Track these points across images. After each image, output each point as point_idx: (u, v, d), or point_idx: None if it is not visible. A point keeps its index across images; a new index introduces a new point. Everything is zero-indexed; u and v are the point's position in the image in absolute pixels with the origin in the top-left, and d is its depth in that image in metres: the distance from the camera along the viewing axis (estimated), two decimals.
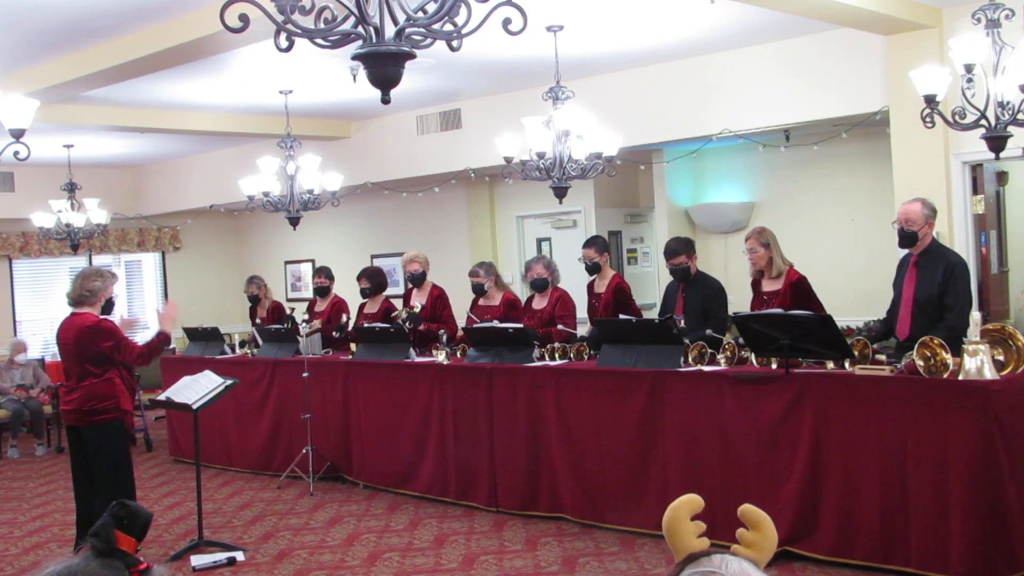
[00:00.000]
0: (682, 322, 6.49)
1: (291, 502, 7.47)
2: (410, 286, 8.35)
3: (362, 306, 8.72)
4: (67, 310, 6.05)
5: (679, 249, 6.92)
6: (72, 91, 7.94)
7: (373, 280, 8.60)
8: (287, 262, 13.98)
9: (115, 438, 5.90)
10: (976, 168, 7.17)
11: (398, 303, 8.58)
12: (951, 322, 5.47)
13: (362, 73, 3.01)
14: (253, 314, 9.81)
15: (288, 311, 9.40)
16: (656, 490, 5.89)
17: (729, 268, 9.72)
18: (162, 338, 6.08)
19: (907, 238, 5.70)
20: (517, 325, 6.92)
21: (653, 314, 9.87)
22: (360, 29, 2.78)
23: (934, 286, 5.58)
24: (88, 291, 5.94)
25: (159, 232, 14.03)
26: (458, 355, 7.31)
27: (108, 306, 6.07)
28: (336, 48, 2.87)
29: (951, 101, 5.48)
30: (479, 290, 7.78)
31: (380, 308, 8.50)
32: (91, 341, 5.84)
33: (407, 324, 7.77)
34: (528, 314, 7.59)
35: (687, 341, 6.15)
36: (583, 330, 7.57)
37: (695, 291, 6.90)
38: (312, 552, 6.14)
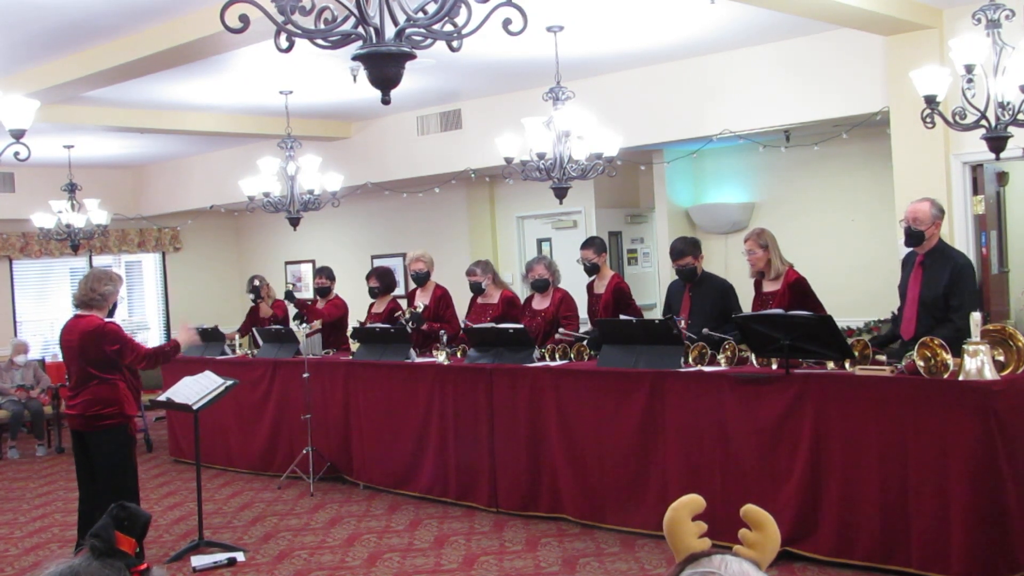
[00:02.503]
0: (683, 322, 6.47)
1: (291, 503, 7.47)
2: (414, 286, 8.35)
3: (371, 306, 8.73)
4: (69, 311, 5.99)
5: (686, 250, 6.85)
6: (72, 91, 7.93)
7: (383, 280, 8.61)
8: (287, 263, 13.98)
9: (119, 444, 5.84)
10: (976, 168, 7.16)
11: (405, 304, 8.59)
12: (959, 323, 5.45)
13: (362, 73, 3.01)
14: (254, 313, 9.80)
15: (290, 286, 9.28)
16: (656, 490, 5.89)
17: (729, 268, 9.71)
18: (173, 346, 6.07)
19: (914, 237, 5.69)
20: (518, 326, 6.92)
21: (653, 314, 9.89)
22: (360, 30, 2.78)
23: (939, 286, 5.57)
24: (100, 295, 5.85)
25: (159, 233, 14.04)
26: (458, 355, 7.32)
27: (112, 309, 6.02)
28: (336, 48, 2.87)
29: (951, 101, 5.48)
30: (477, 289, 7.79)
31: (386, 308, 8.50)
32: (96, 344, 5.77)
33: (410, 324, 7.77)
34: (529, 314, 7.59)
35: (688, 343, 6.15)
36: (584, 331, 7.56)
37: (703, 291, 6.83)
38: (312, 553, 6.14)
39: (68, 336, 5.93)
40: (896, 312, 6.03)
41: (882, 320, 6.13)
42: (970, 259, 5.85)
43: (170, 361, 6.03)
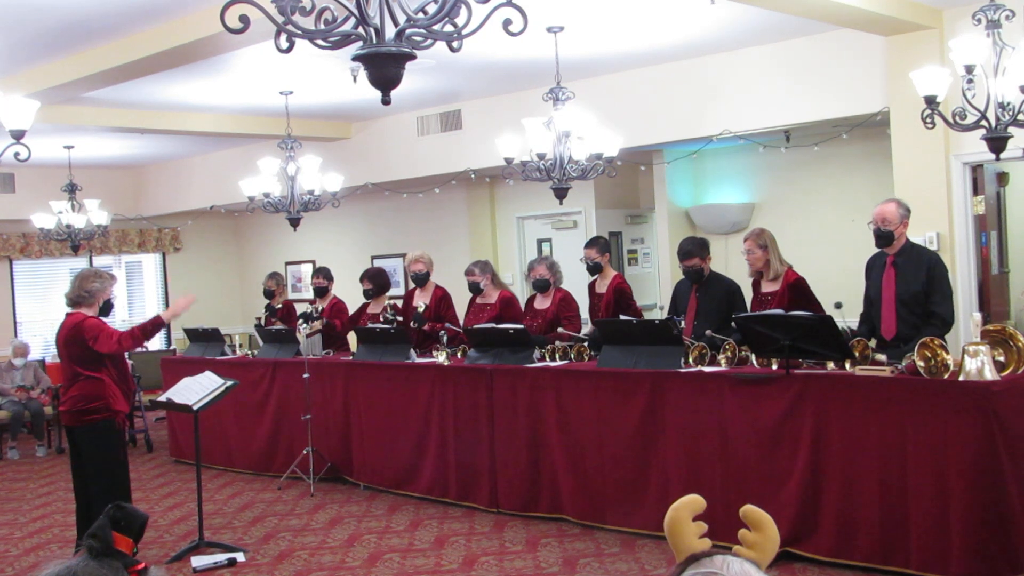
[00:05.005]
0: (683, 323, 6.46)
1: (291, 503, 7.47)
2: (413, 286, 8.35)
3: (364, 307, 8.72)
4: (66, 311, 6.05)
5: (693, 251, 6.80)
6: (73, 92, 7.93)
7: (375, 281, 8.61)
8: (288, 263, 13.98)
9: (106, 438, 5.88)
10: (976, 169, 7.16)
11: (400, 303, 8.58)
12: (944, 315, 5.60)
13: (362, 74, 3.01)
14: (266, 310, 9.81)
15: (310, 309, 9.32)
16: (657, 491, 5.89)
17: (729, 269, 9.69)
18: (156, 322, 6.02)
19: (884, 238, 5.78)
20: (518, 326, 6.91)
21: (654, 315, 9.89)
22: (360, 30, 2.78)
23: (918, 284, 5.66)
24: (86, 292, 5.93)
25: (160, 233, 14.03)
26: (459, 356, 7.31)
27: (107, 307, 6.06)
28: (336, 49, 2.87)
29: (951, 102, 5.48)
30: (475, 289, 7.79)
31: (382, 309, 8.49)
32: (76, 338, 5.85)
33: (412, 323, 7.77)
34: (530, 314, 7.59)
35: (689, 343, 6.14)
36: (585, 331, 7.56)
37: (710, 292, 6.79)
38: (312, 553, 6.14)
39: (59, 334, 6.03)
40: (862, 320, 6.04)
41: (854, 328, 6.09)
42: (939, 254, 6.02)
43: (151, 337, 6.03)
